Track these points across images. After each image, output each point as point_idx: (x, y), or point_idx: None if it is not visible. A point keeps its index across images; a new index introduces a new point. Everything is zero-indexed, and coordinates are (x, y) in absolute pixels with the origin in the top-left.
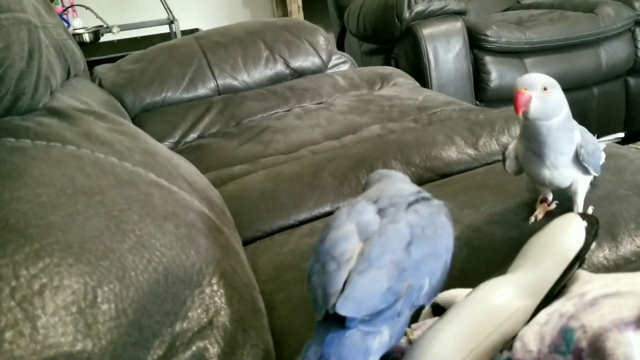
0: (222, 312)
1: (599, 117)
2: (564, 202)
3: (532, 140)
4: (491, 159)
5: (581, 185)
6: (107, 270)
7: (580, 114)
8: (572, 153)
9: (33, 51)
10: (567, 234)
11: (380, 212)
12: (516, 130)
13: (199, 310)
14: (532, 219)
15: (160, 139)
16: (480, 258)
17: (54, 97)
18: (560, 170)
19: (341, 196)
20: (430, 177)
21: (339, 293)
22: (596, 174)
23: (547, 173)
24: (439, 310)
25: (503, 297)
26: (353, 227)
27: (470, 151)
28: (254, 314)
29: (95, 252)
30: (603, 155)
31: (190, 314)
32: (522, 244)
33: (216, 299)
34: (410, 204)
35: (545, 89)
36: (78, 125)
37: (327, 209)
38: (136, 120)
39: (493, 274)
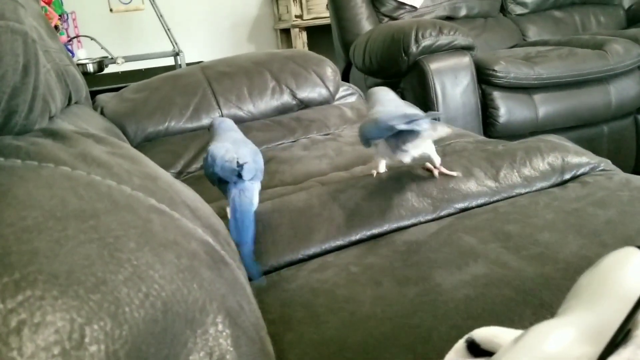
0: (228, 356)
1: (610, 155)
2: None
3: None
4: (513, 192)
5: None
6: (97, 305)
7: (591, 152)
8: None
9: (29, 66)
10: (627, 271)
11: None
12: (538, 162)
13: (202, 354)
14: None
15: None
16: (510, 298)
17: (53, 122)
18: None
19: (352, 229)
20: (449, 211)
21: (236, 172)
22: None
23: None
24: (474, 348)
25: (560, 343)
26: (229, 147)
27: (491, 183)
28: (263, 357)
29: (84, 283)
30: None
31: (192, 357)
32: (557, 280)
33: (221, 340)
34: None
35: None
36: (74, 147)
37: (339, 242)
38: (138, 149)
39: (525, 313)
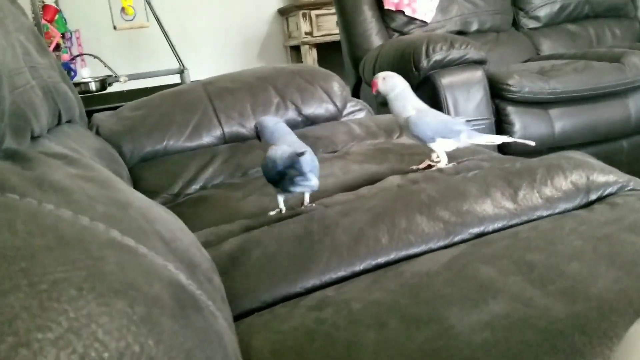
0: None
1: (630, 171)
2: None
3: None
4: (534, 215)
5: (435, 145)
6: None
7: None
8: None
9: None
10: None
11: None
12: (560, 181)
13: None
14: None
15: (159, 191)
16: (537, 343)
17: (38, 142)
18: (407, 130)
19: (356, 257)
20: (463, 236)
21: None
22: (429, 143)
23: (404, 130)
24: None
25: None
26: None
27: (509, 204)
28: None
29: None
30: (463, 134)
31: None
32: (590, 322)
33: None
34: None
35: (384, 78)
36: (32, 170)
37: (341, 273)
38: (134, 170)
39: None
